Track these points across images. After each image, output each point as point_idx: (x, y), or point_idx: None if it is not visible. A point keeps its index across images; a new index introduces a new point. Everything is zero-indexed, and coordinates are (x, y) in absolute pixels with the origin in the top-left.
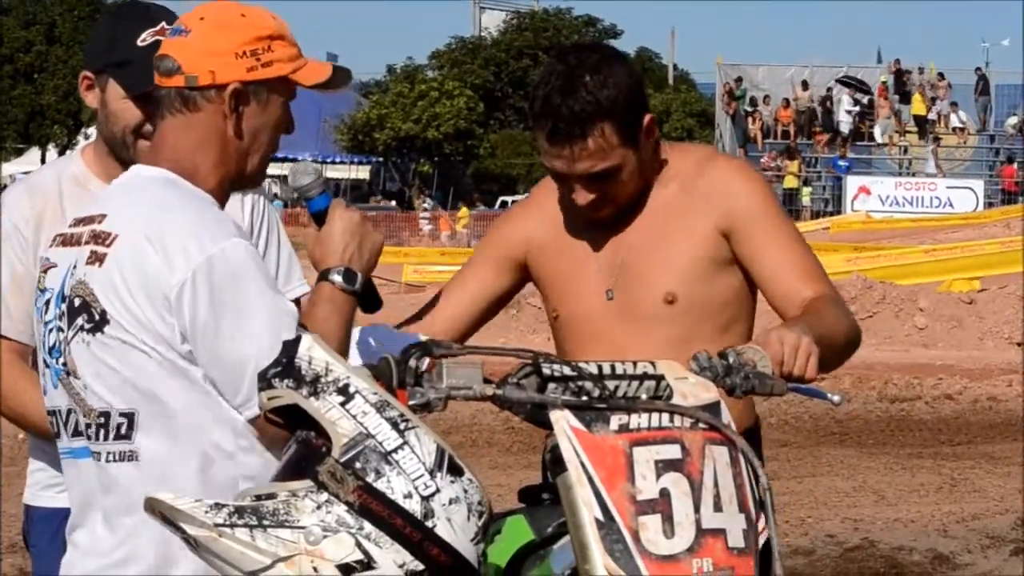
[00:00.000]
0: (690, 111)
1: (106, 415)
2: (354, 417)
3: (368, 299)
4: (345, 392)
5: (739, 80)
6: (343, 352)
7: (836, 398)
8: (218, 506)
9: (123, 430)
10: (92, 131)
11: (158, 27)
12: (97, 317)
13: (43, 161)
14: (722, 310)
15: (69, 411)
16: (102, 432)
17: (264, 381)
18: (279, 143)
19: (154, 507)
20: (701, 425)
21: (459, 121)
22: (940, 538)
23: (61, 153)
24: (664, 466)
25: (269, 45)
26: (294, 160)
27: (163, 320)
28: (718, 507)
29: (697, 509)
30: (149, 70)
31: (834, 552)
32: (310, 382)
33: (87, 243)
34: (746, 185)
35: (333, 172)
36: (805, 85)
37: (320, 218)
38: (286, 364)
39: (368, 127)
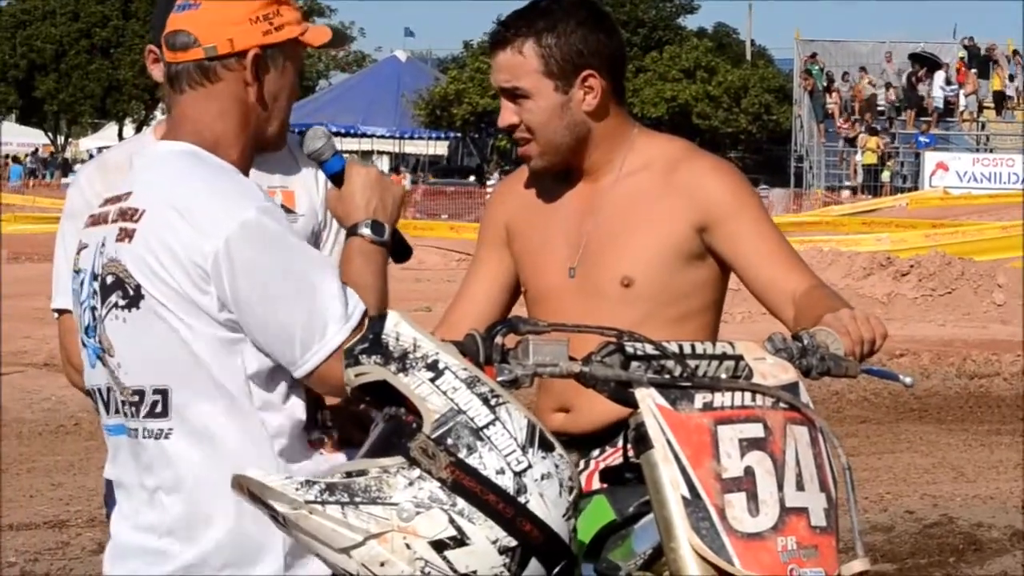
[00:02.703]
0: (767, 87)
1: (140, 392)
2: (444, 393)
3: (398, 249)
4: (435, 368)
5: (813, 55)
6: (383, 302)
7: (908, 380)
8: (309, 483)
9: (157, 408)
10: None
11: None
12: (132, 293)
13: (120, 136)
14: (680, 300)
15: (108, 389)
16: (135, 409)
17: (351, 357)
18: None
19: (242, 484)
20: (782, 405)
21: None
22: (1019, 514)
23: (138, 128)
24: (748, 445)
25: (278, 9)
26: (372, 136)
27: (200, 291)
28: (800, 486)
29: (780, 488)
30: None
31: (913, 528)
32: (398, 358)
33: (114, 221)
34: (723, 182)
35: (411, 147)
36: (864, 70)
37: (337, 179)
38: (373, 340)
39: (446, 102)
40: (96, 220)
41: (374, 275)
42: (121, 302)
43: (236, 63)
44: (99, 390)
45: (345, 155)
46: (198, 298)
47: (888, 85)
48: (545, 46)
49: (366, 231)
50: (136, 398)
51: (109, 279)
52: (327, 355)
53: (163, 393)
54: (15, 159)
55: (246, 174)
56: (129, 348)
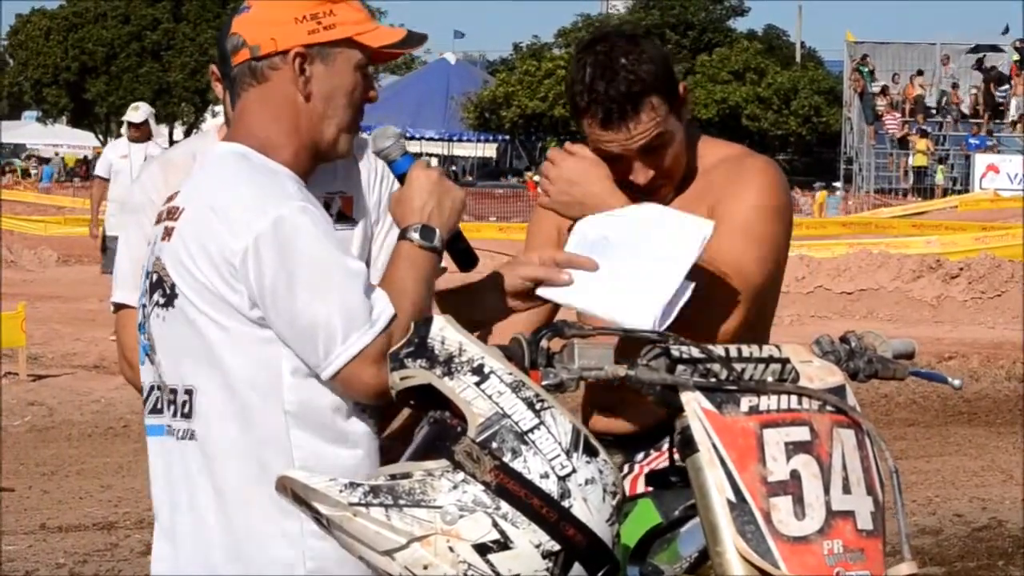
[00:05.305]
0: (817, 89)
1: (174, 391)
2: (490, 397)
3: (463, 257)
4: (480, 372)
5: (864, 58)
6: (421, 308)
7: (957, 382)
8: (353, 485)
9: (185, 408)
10: (220, 108)
11: None
12: (168, 291)
13: (170, 139)
14: None
15: (153, 387)
16: (171, 408)
17: (396, 361)
18: (363, 113)
19: (286, 485)
20: (828, 408)
21: None
22: None
23: (188, 131)
24: (794, 448)
25: (331, 9)
26: (421, 139)
27: (231, 288)
28: (847, 489)
29: (827, 491)
30: None
31: (962, 532)
32: (444, 362)
33: (163, 220)
34: (755, 181)
35: (460, 150)
36: (920, 72)
37: (404, 180)
38: (418, 344)
39: (495, 105)
40: (158, 218)
41: (415, 281)
42: (161, 300)
43: (281, 61)
44: (151, 387)
45: (418, 156)
46: (229, 296)
47: (954, 86)
48: (660, 86)
49: (415, 235)
50: (171, 396)
51: (154, 277)
52: (349, 359)
53: (189, 393)
54: (44, 160)
55: (303, 177)
56: (165, 346)
